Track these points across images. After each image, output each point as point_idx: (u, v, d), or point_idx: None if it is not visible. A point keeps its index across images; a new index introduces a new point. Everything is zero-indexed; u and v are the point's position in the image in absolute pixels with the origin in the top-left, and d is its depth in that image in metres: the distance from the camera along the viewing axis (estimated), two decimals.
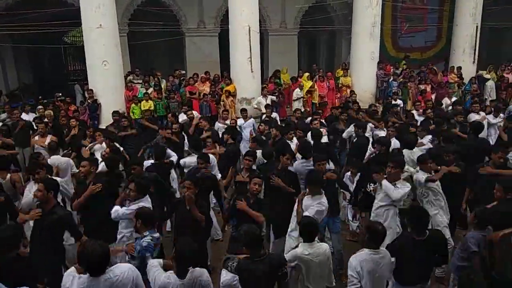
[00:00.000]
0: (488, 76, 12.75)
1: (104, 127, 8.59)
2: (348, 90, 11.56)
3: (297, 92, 11.15)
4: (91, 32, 9.34)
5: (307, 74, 11.94)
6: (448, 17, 14.71)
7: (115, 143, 6.72)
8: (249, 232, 3.32)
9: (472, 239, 3.47)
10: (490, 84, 12.29)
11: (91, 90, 9.75)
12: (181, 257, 3.06)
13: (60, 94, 10.91)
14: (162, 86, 11.33)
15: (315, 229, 3.70)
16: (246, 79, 10.65)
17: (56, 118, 9.00)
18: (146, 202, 4.26)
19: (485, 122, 7.99)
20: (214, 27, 14.82)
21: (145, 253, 3.55)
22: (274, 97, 10.58)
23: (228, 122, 8.58)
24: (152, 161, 5.93)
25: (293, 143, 6.83)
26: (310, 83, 11.23)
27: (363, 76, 11.78)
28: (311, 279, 3.66)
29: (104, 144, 6.84)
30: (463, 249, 3.64)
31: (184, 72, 12.27)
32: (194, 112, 9.36)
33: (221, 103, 10.45)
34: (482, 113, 8.59)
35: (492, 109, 8.83)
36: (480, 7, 12.19)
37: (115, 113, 8.59)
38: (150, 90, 10.60)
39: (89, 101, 9.80)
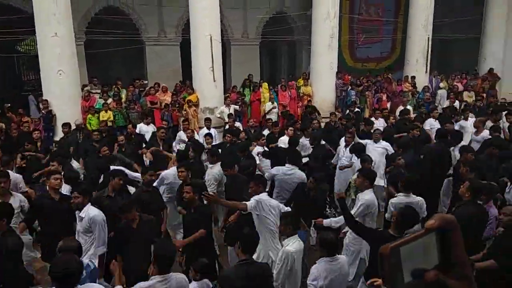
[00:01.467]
0: (442, 84, 13.49)
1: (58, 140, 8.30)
2: (308, 99, 11.83)
3: (269, 105, 11.27)
4: (45, 41, 8.98)
5: (265, 84, 12.16)
6: (402, 29, 15.42)
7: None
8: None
9: None
10: (441, 92, 13.00)
11: (46, 100, 9.35)
12: (162, 259, 3.04)
13: (9, 104, 10.34)
14: (122, 96, 11.06)
15: (297, 220, 3.93)
16: (208, 89, 10.61)
17: (8, 130, 8.55)
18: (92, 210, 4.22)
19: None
20: (175, 36, 14.71)
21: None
22: (237, 107, 10.62)
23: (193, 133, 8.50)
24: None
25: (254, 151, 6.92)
26: (267, 92, 11.45)
27: (323, 85, 12.09)
28: (292, 278, 3.77)
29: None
30: None
31: (146, 82, 12.06)
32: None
33: (183, 112, 10.34)
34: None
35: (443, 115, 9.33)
36: (431, 20, 12.88)
37: (65, 125, 8.32)
38: (110, 100, 10.32)
39: (43, 112, 9.39)
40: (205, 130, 8.71)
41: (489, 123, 8.39)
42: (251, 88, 12.37)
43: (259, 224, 4.35)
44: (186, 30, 12.77)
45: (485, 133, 7.63)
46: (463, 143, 7.11)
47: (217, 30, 10.53)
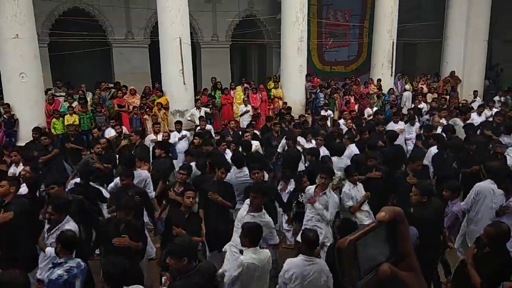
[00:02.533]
0: (407, 86, 13.95)
1: (24, 145, 7.94)
2: (281, 102, 11.94)
3: (241, 108, 11.26)
4: (6, 43, 8.61)
5: (239, 87, 12.22)
6: (368, 33, 15.86)
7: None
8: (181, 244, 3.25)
9: None
10: (407, 94, 13.45)
11: (7, 104, 8.96)
12: (110, 277, 2.89)
13: None
14: (88, 99, 10.76)
15: (259, 233, 3.66)
16: (178, 91, 10.52)
17: None
18: (69, 225, 3.91)
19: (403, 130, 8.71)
20: (143, 38, 14.48)
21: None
22: (207, 109, 10.57)
23: (160, 136, 8.35)
24: (77, 180, 5.54)
25: (227, 155, 6.87)
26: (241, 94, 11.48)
27: (293, 88, 12.23)
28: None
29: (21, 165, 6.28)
30: None
31: (111, 85, 11.79)
32: (123, 127, 9.01)
33: (152, 116, 10.17)
34: (401, 123, 9.27)
35: (408, 116, 9.64)
36: (396, 25, 13.31)
37: (35, 130, 7.96)
38: (75, 103, 10.02)
39: (5, 116, 8.99)
40: (176, 134, 8.61)
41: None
42: (222, 90, 12.35)
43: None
44: (154, 32, 12.61)
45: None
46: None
47: (186, 33, 10.46)
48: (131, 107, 10.47)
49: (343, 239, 0.74)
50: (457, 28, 14.21)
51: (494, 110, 10.85)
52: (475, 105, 11.50)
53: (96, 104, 10.46)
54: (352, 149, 7.08)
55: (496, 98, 13.21)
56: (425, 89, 13.83)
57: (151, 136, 8.54)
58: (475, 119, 9.87)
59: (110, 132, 8.61)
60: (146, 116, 10.25)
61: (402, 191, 5.19)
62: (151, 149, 7.71)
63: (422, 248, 3.80)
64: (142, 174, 5.73)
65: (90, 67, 15.54)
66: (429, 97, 13.33)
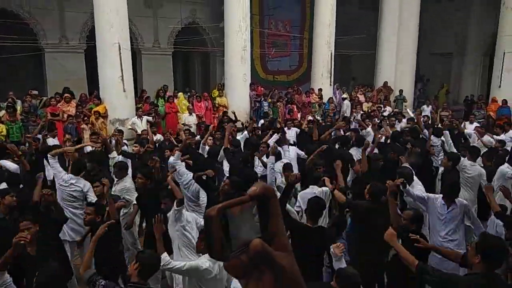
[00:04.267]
0: (344, 96, 14.61)
1: None
2: (224, 110, 11.93)
3: (186, 116, 11.04)
4: None
5: (181, 94, 12.06)
6: (308, 44, 16.44)
7: None
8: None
9: None
10: (346, 103, 14.09)
11: None
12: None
13: None
14: (18, 108, 9.96)
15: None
16: (118, 99, 10.10)
17: None
18: None
19: None
20: (79, 43, 13.76)
21: None
22: (150, 118, 10.24)
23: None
24: None
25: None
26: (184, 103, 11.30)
27: (237, 96, 12.29)
28: None
29: None
30: None
31: (36, 92, 10.97)
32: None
33: (88, 125, 9.64)
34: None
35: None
36: (333, 37, 13.94)
37: None
38: (2, 112, 9.22)
39: None
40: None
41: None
42: (165, 98, 12.05)
43: (174, 237, 4.25)
44: (91, 36, 12.03)
45: None
46: None
47: (125, 38, 10.11)
48: (65, 116, 9.86)
49: (211, 208, 0.71)
50: (389, 41, 15.20)
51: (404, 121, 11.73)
52: (385, 114, 12.26)
53: (27, 112, 9.71)
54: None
55: (424, 106, 14.28)
56: (362, 99, 14.59)
57: (88, 148, 8.07)
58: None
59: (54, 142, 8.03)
60: (83, 126, 9.70)
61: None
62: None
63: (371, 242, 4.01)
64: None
65: (20, 74, 14.43)
66: (365, 106, 14.09)
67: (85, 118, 9.98)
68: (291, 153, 7.37)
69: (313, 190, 5.20)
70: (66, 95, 10.56)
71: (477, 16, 17.63)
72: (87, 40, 13.57)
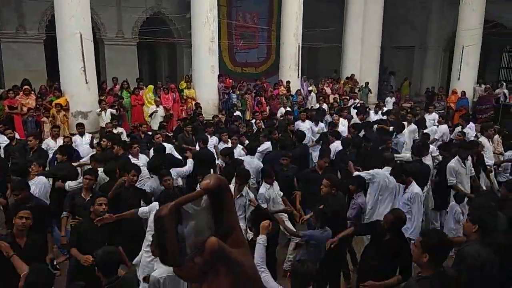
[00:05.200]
0: (311, 88, 14.76)
1: None
2: (193, 102, 11.77)
3: (151, 108, 10.77)
4: None
5: (150, 86, 11.78)
6: (275, 36, 16.46)
7: None
8: (104, 256, 3.04)
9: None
10: (314, 95, 14.24)
11: None
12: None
13: None
14: None
15: None
16: (80, 91, 9.73)
17: None
18: None
19: (309, 130, 9.18)
20: (38, 33, 13.14)
21: None
22: (113, 111, 9.95)
23: (60, 140, 7.62)
24: None
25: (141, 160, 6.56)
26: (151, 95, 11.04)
27: (205, 88, 12.14)
28: None
29: None
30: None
31: None
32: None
33: (48, 119, 9.25)
34: (308, 122, 9.74)
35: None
36: (300, 29, 14.00)
37: None
38: None
39: None
40: (78, 137, 7.97)
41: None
42: (132, 91, 11.72)
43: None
44: (51, 26, 11.51)
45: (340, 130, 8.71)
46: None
47: (87, 28, 9.73)
48: (25, 109, 9.41)
49: (163, 206, 0.63)
50: (354, 35, 15.47)
51: (385, 109, 12.16)
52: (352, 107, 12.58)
53: None
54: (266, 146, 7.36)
55: (388, 98, 14.68)
56: (328, 91, 14.80)
57: (49, 141, 7.75)
58: (372, 117, 10.86)
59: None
60: (44, 119, 9.30)
61: (312, 185, 5.47)
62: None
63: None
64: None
65: None
66: (331, 98, 14.31)
67: (45, 111, 9.57)
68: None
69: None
70: (25, 87, 10.07)
71: (438, 12, 18.27)
72: (46, 30, 12.99)
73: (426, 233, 2.75)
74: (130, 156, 6.32)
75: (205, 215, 0.66)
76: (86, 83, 9.70)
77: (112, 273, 3.02)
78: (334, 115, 10.20)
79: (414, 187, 4.84)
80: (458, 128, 9.19)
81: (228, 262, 0.66)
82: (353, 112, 11.35)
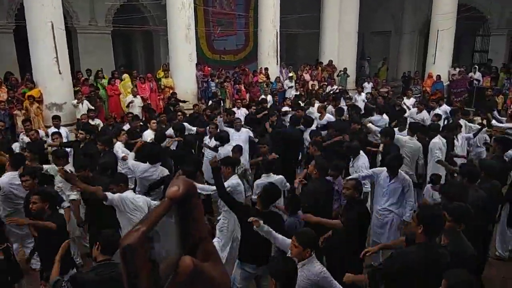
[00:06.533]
0: (291, 74, 14.76)
1: None
2: (171, 91, 11.60)
3: (129, 98, 10.55)
4: None
5: (127, 75, 11.56)
6: (253, 23, 16.31)
7: None
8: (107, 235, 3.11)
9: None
10: (288, 82, 14.27)
11: None
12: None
13: None
14: None
15: None
16: (53, 82, 9.44)
17: None
18: None
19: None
20: (7, 22, 12.63)
21: None
22: (90, 105, 9.70)
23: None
24: None
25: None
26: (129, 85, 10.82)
27: (183, 77, 11.98)
28: None
29: None
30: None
31: None
32: None
33: (21, 111, 8.96)
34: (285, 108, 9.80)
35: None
36: (278, 15, 13.91)
37: None
38: None
39: None
40: (53, 129, 7.76)
41: (330, 108, 9.70)
42: (108, 81, 11.44)
43: (125, 224, 4.14)
44: (21, 15, 11.06)
45: (327, 117, 8.71)
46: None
47: (59, 16, 9.41)
48: None
49: (129, 234, 0.50)
50: (331, 21, 15.47)
51: (363, 94, 12.35)
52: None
53: None
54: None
55: (365, 83, 14.84)
56: (307, 77, 14.84)
57: (23, 136, 7.51)
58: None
59: None
60: (16, 111, 9.01)
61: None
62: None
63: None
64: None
65: None
66: (310, 84, 14.37)
67: (17, 103, 9.26)
68: (242, 136, 7.30)
69: (270, 178, 5.05)
70: None
71: None
72: (15, 19, 12.49)
73: (423, 207, 3.04)
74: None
75: (172, 229, 0.56)
76: (60, 73, 9.42)
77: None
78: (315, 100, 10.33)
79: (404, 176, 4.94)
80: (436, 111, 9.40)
81: (203, 280, 0.59)
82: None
